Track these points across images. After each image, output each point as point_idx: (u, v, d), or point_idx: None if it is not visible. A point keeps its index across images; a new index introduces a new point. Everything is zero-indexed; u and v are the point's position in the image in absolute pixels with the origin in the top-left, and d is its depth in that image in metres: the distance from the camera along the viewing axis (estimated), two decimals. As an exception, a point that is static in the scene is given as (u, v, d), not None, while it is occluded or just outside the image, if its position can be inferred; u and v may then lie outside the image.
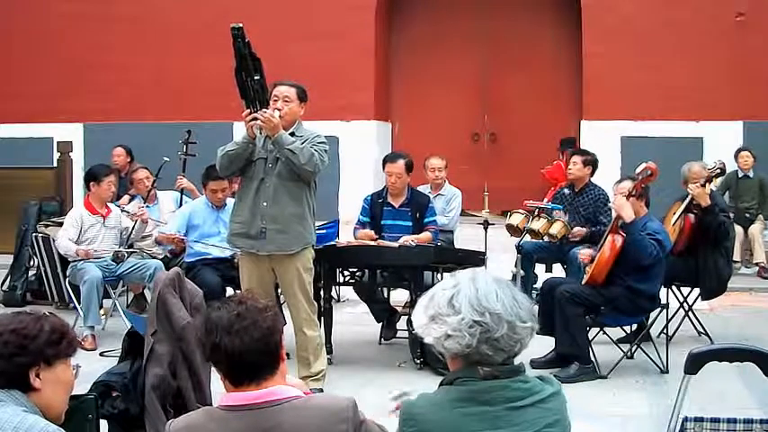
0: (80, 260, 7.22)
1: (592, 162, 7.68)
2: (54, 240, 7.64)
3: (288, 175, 5.28)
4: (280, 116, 5.19)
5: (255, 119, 5.10)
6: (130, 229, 7.56)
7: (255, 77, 5.06)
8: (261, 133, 5.23)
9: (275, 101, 5.32)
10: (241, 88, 5.10)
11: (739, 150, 10.18)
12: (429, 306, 2.26)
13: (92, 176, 7.51)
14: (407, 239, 6.64)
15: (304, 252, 5.41)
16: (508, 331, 2.20)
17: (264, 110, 5.11)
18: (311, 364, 5.47)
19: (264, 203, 5.32)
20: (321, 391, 5.22)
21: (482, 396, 2.20)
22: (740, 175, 10.09)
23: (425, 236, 6.82)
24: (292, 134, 5.31)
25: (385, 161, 7.12)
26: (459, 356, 2.24)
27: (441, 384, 2.30)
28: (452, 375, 2.27)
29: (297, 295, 5.39)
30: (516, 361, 2.29)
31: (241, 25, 5.00)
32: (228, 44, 4.98)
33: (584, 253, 6.49)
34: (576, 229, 7.38)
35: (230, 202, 7.24)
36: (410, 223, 6.93)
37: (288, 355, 2.51)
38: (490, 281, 2.26)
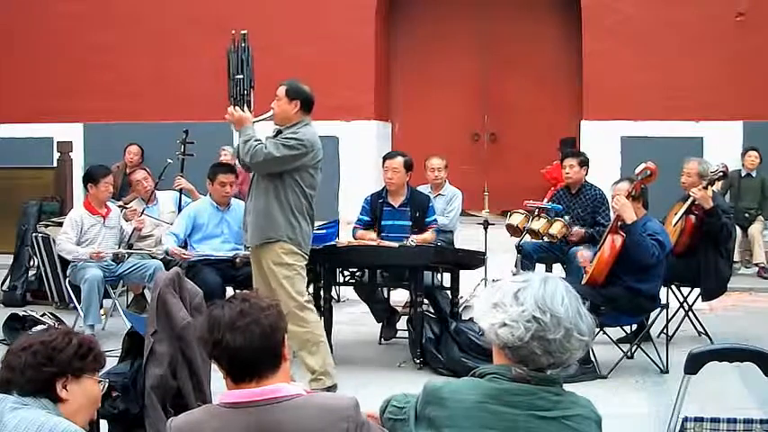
0: (81, 260, 7.22)
1: (586, 162, 7.71)
2: (54, 241, 7.64)
3: None
4: (273, 114, 5.55)
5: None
6: (128, 233, 7.61)
7: (237, 76, 5.57)
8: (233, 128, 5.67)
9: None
10: (229, 86, 5.63)
11: (747, 150, 10.24)
12: (495, 294, 2.27)
13: (89, 178, 7.52)
14: (413, 240, 6.64)
15: (270, 246, 5.49)
16: (563, 337, 2.20)
17: (236, 107, 5.52)
18: (304, 360, 5.52)
19: (249, 198, 5.65)
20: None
21: (508, 397, 2.20)
22: (743, 174, 10.11)
23: (429, 235, 6.83)
24: (279, 132, 5.54)
25: (384, 159, 7.15)
26: (507, 348, 2.23)
27: (471, 375, 2.30)
28: (486, 369, 2.27)
29: (276, 290, 5.45)
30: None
31: (244, 32, 5.61)
32: (227, 44, 5.08)
33: (582, 255, 6.47)
34: (576, 229, 7.37)
35: (234, 202, 7.25)
36: (409, 223, 6.94)
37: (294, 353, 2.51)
38: (560, 286, 2.26)
